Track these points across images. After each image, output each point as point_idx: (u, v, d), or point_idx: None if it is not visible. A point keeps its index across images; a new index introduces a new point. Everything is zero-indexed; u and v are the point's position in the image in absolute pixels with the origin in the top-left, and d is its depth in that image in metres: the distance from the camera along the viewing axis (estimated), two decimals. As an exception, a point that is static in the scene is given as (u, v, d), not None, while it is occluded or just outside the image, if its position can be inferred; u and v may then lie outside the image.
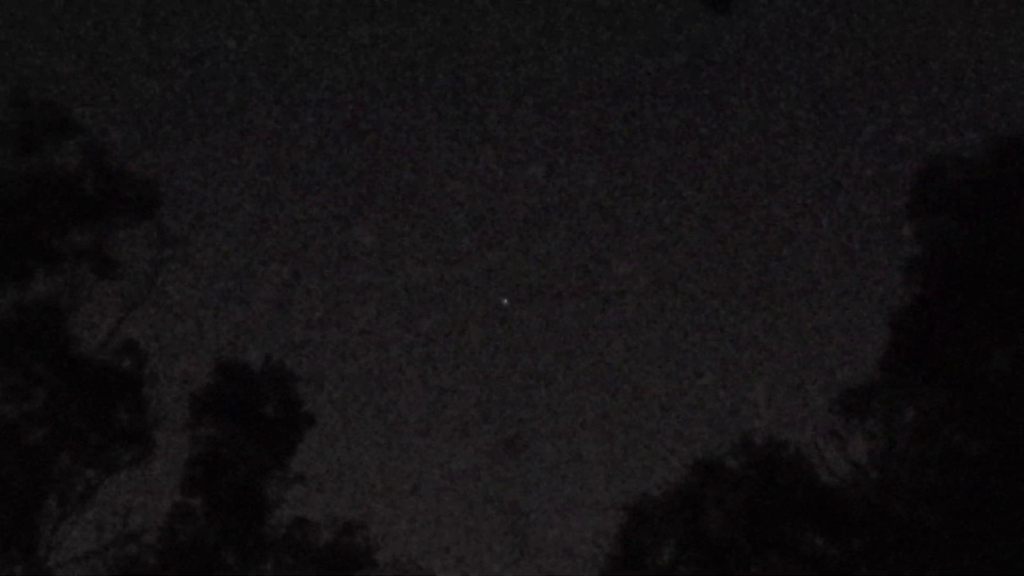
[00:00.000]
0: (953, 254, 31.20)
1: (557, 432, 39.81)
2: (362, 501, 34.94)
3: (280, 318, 39.93)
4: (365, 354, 41.27)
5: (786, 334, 37.59)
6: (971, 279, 30.93)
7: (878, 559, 31.63)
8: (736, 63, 42.38)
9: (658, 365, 40.87)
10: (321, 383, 33.50)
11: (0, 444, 30.97)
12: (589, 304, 42.65)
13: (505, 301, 41.36)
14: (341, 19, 44.06)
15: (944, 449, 31.53)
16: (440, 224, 43.91)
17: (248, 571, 33.34)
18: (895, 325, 31.46)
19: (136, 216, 32.60)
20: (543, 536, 37.38)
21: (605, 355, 41.90)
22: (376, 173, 43.90)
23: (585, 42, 42.80)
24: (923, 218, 31.53)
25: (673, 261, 42.50)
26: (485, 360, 41.45)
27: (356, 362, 40.51)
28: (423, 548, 34.94)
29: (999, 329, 31.01)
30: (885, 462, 32.17)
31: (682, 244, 42.85)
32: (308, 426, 34.28)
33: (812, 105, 43.02)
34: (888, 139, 40.46)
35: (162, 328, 33.00)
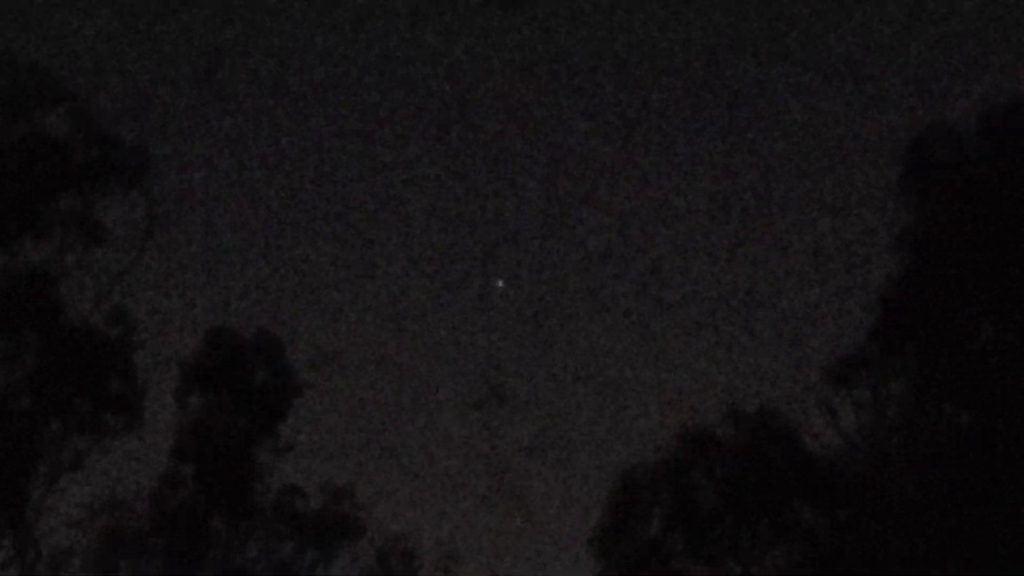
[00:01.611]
0: (944, 225, 31.10)
1: (548, 400, 39.75)
2: (351, 467, 34.78)
3: (270, 286, 39.78)
4: (357, 322, 41.13)
5: (776, 305, 37.54)
6: (962, 251, 30.86)
7: (866, 530, 31.48)
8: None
9: (648, 334, 40.84)
10: (320, 366, 33.46)
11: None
12: (579, 270, 42.52)
13: (500, 283, 41.16)
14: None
15: (933, 420, 31.43)
16: (436, 194, 43.68)
17: (237, 538, 33.24)
18: (885, 296, 31.38)
19: (125, 183, 32.37)
20: (534, 501, 37.41)
21: (595, 323, 41.83)
22: (374, 140, 43.65)
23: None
24: (914, 189, 31.40)
25: (662, 232, 42.38)
26: (476, 328, 41.35)
27: (347, 331, 40.40)
28: (414, 514, 34.74)
29: (989, 301, 30.96)
30: (874, 433, 32.05)
31: (671, 215, 42.71)
32: (297, 395, 34.09)
33: (803, 75, 42.87)
34: (879, 109, 40.32)
35: (152, 295, 32.83)
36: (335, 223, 43.56)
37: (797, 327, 34.83)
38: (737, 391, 33.46)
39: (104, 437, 32.00)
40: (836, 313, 32.92)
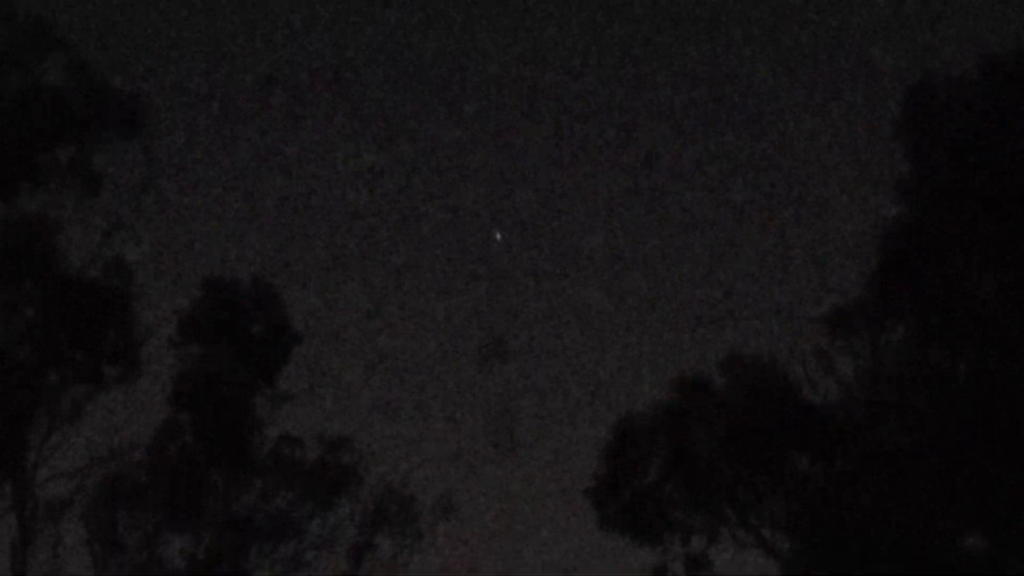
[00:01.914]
0: (943, 173, 30.96)
1: (546, 349, 39.68)
2: (350, 418, 34.81)
3: (269, 237, 39.70)
4: (354, 272, 41.06)
5: (774, 253, 37.43)
6: (961, 199, 30.74)
7: (863, 479, 31.51)
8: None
9: (646, 284, 40.72)
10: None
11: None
12: (575, 220, 42.38)
13: (499, 236, 41.05)
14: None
15: (930, 369, 31.37)
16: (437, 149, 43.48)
17: (235, 488, 33.30)
18: (883, 244, 31.25)
19: (123, 133, 32.30)
20: (533, 452, 37.41)
21: (592, 274, 41.73)
22: (372, 99, 43.49)
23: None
24: (913, 136, 31.23)
25: (659, 179, 42.20)
26: (473, 276, 41.25)
27: (345, 280, 40.34)
28: (413, 464, 34.75)
29: (988, 249, 30.86)
30: (871, 382, 32.03)
31: (670, 164, 42.52)
32: (295, 344, 34.08)
33: (801, 23, 42.56)
34: (880, 56, 40.07)
35: (150, 246, 32.78)
36: (335, 175, 43.41)
37: (795, 276, 34.70)
38: (734, 341, 33.31)
39: (102, 388, 31.94)
40: (834, 262, 32.77)
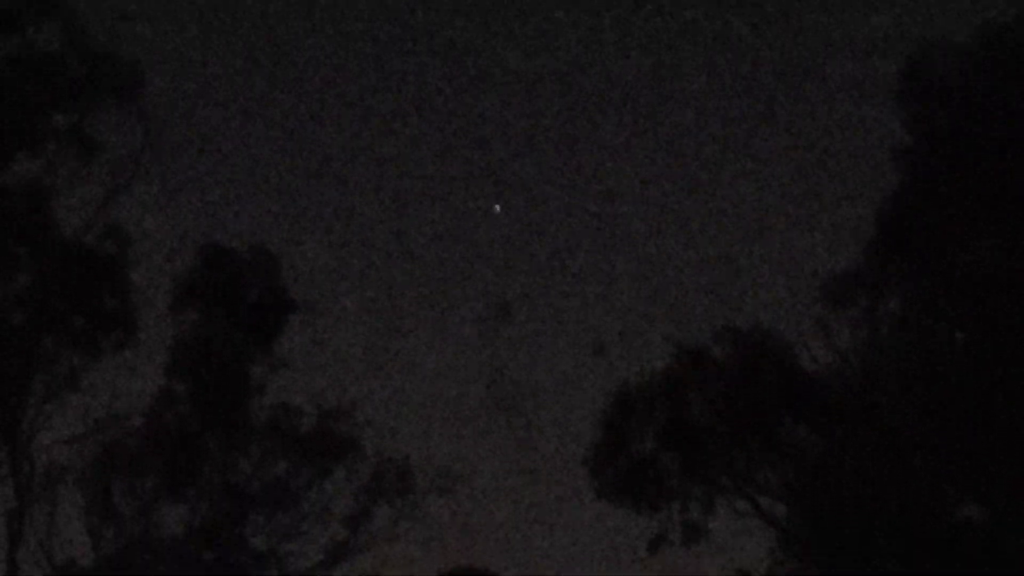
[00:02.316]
0: (941, 142, 30.91)
1: (545, 316, 39.59)
2: (348, 386, 34.62)
3: (267, 203, 39.58)
4: (351, 238, 40.95)
5: (771, 221, 37.34)
6: (959, 168, 30.67)
7: (859, 448, 31.41)
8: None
9: (644, 253, 40.68)
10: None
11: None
12: (575, 186, 42.22)
13: (497, 207, 40.95)
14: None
15: (928, 339, 31.36)
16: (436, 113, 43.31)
17: (232, 456, 33.24)
18: (881, 213, 31.21)
19: (119, 98, 32.17)
20: (532, 421, 37.39)
21: (593, 239, 41.60)
22: (374, 60, 43.26)
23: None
24: (912, 105, 31.17)
25: (658, 150, 42.09)
26: (474, 244, 41.11)
27: (341, 246, 40.24)
28: (411, 433, 34.67)
29: (986, 219, 30.79)
30: (868, 351, 31.92)
31: (668, 131, 42.39)
32: (292, 311, 33.96)
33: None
34: (878, 23, 39.93)
35: (146, 212, 32.66)
36: (334, 142, 43.26)
37: (792, 244, 34.64)
38: (732, 309, 33.16)
39: (99, 354, 31.81)
40: (832, 230, 32.68)
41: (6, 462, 30.71)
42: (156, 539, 32.35)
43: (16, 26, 31.80)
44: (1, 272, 31.56)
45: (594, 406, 32.87)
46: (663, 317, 35.98)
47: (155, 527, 32.37)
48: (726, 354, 32.56)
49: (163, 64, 34.20)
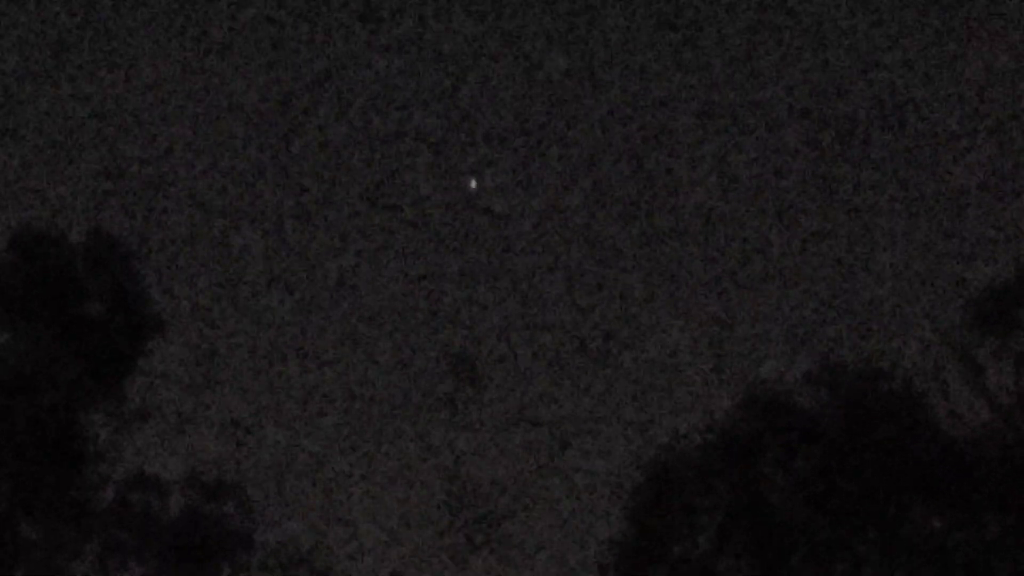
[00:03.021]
0: None
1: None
2: (236, 446, 23.64)
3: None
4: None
5: (899, 219, 26.73)
6: None
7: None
8: None
9: (698, 247, 29.38)
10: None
11: None
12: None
13: (473, 183, 31.59)
14: None
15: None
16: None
17: (58, 554, 22.33)
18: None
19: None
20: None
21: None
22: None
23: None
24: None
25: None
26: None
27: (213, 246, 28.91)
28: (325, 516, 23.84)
29: None
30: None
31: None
32: (155, 334, 22.89)
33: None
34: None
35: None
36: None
37: (922, 254, 24.36)
38: (829, 337, 23.36)
39: None
40: (976, 240, 23.06)
41: None
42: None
43: None
44: None
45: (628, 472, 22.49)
46: (721, 343, 25.22)
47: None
48: (819, 404, 22.97)
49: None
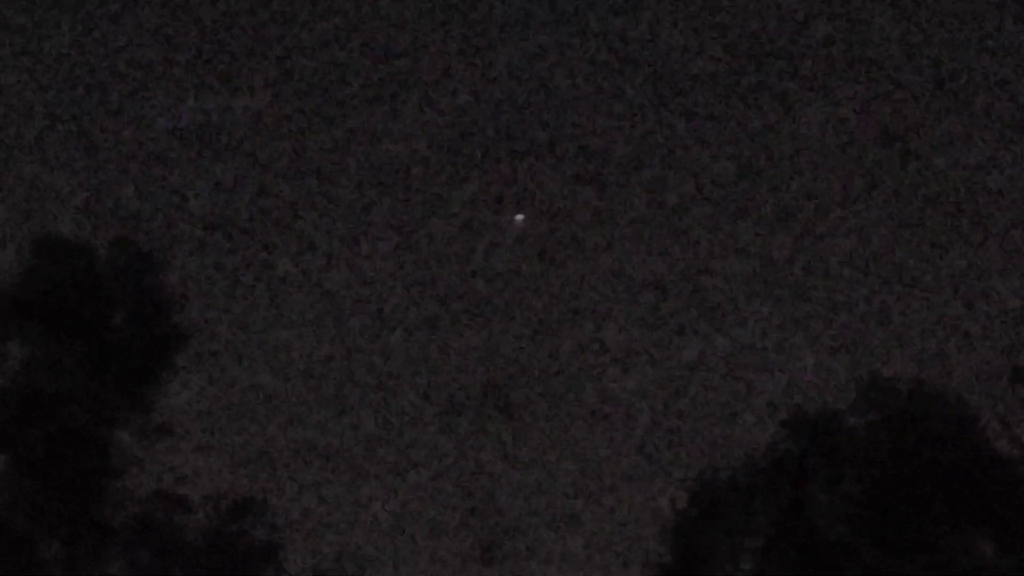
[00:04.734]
0: None
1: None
2: (260, 465, 23.14)
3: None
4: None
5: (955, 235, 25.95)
6: None
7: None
8: None
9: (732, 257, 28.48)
10: None
11: None
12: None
13: (519, 217, 30.81)
14: None
15: None
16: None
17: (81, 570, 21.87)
18: None
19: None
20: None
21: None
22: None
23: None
24: None
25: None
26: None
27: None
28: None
29: None
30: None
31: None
32: (180, 348, 22.48)
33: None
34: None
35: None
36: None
37: (979, 272, 23.67)
38: (879, 354, 23.21)
39: None
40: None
41: None
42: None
43: None
44: None
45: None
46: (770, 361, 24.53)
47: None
48: (871, 426, 22.25)
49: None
